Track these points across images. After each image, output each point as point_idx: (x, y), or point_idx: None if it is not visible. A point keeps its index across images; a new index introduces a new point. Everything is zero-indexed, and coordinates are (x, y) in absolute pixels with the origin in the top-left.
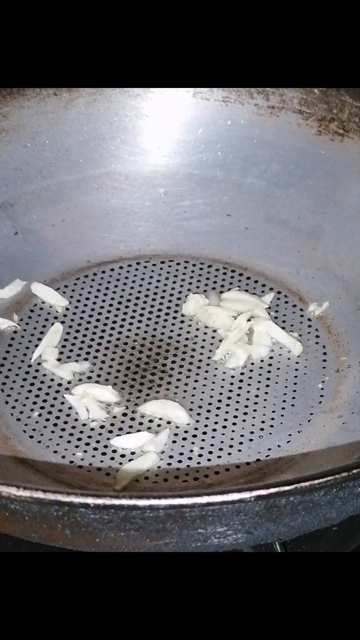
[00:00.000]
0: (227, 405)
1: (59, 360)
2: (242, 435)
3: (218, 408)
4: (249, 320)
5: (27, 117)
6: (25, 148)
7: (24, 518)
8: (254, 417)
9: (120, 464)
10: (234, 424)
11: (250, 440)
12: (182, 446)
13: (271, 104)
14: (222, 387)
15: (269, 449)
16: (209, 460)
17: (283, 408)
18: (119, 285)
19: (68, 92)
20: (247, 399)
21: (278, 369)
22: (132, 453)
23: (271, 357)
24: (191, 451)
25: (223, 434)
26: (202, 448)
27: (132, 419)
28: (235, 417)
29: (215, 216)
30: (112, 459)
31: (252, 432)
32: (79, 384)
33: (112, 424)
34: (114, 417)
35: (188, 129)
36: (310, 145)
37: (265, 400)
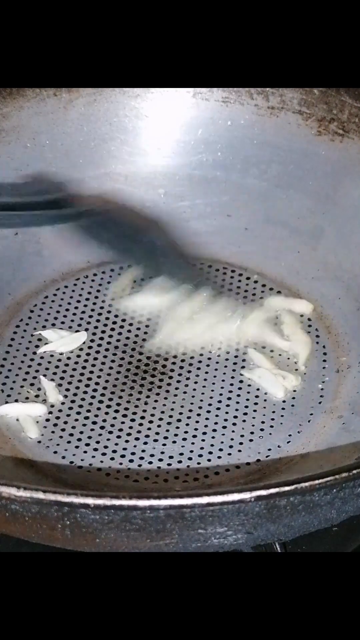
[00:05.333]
0: (227, 405)
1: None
2: (242, 436)
3: (218, 408)
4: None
5: (27, 118)
6: (25, 148)
7: (24, 518)
8: (253, 418)
9: (121, 464)
10: (234, 424)
11: (250, 440)
12: (182, 446)
13: (271, 104)
14: (222, 387)
15: (269, 450)
16: (208, 460)
17: (283, 408)
18: None
19: (68, 92)
20: (247, 399)
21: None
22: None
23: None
24: (191, 451)
25: (223, 434)
26: (202, 448)
27: (132, 419)
28: (235, 417)
29: (215, 216)
30: (112, 459)
31: (252, 433)
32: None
33: (111, 424)
34: (114, 417)
35: (188, 129)
36: (310, 146)
37: (265, 400)
